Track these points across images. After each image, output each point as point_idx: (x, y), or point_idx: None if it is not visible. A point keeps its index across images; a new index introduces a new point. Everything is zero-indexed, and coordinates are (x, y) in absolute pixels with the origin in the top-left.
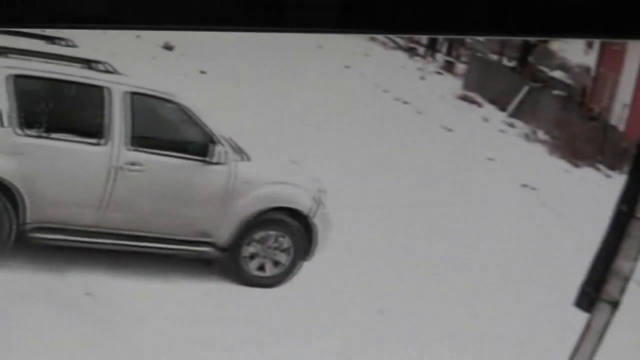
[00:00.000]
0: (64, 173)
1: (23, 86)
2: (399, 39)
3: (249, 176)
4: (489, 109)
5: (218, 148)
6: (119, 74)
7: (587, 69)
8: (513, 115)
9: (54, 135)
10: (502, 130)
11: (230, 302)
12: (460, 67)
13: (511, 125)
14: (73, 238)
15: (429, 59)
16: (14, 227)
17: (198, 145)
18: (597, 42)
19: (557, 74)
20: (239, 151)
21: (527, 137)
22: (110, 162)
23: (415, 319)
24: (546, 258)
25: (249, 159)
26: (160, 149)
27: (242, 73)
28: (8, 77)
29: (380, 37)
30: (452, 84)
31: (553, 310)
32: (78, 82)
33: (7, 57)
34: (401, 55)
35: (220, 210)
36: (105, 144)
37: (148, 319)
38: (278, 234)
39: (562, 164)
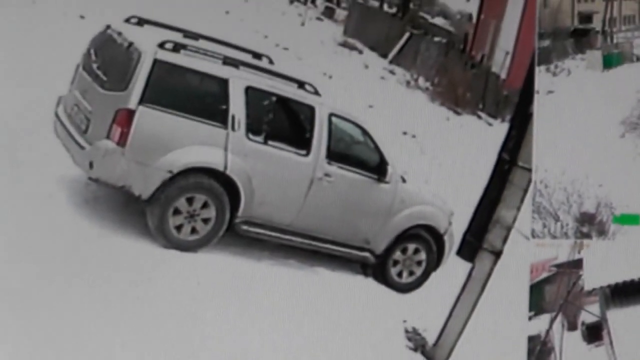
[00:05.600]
0: (274, 177)
1: (252, 97)
2: None
3: (405, 195)
4: (370, 56)
5: (389, 169)
6: (320, 95)
7: (468, 16)
8: (393, 62)
9: (271, 143)
10: (382, 77)
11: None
12: (341, 13)
13: (392, 72)
14: (272, 234)
15: (310, 5)
16: (228, 218)
17: (374, 165)
18: None
19: (438, 21)
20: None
21: (407, 84)
22: (312, 172)
23: None
24: None
25: (404, 180)
26: (347, 164)
27: (120, 17)
28: (245, 88)
29: None
30: (333, 30)
31: None
32: (295, 100)
33: (238, 68)
34: (281, 1)
35: (383, 222)
36: (309, 156)
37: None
38: (417, 247)
39: (443, 111)
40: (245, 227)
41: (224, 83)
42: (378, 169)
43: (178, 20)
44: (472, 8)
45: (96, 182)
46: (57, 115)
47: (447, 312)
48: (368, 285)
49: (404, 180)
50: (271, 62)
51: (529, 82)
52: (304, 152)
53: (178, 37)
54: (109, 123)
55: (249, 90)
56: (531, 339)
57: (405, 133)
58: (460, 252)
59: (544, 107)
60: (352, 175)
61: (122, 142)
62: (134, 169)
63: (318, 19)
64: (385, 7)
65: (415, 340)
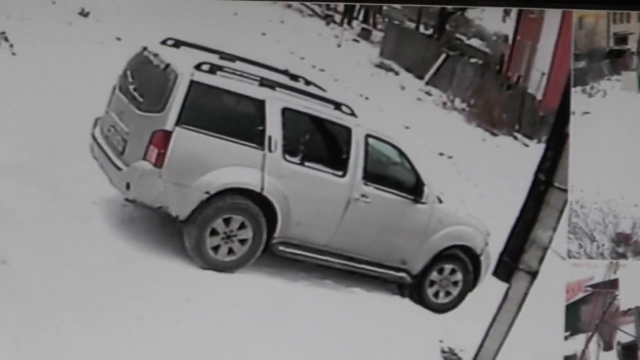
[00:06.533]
0: (311, 198)
1: (288, 118)
2: (316, 6)
3: (441, 216)
4: (406, 77)
5: (426, 190)
6: (357, 116)
7: (504, 37)
8: (430, 83)
9: (307, 164)
10: (419, 99)
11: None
12: (377, 35)
13: (428, 93)
14: (308, 254)
15: (346, 26)
16: (265, 239)
17: (410, 185)
18: (514, 11)
19: (474, 42)
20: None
21: (444, 105)
22: (349, 193)
23: None
24: None
25: (441, 201)
26: (383, 185)
27: (156, 38)
28: (282, 109)
29: (296, 4)
30: (369, 52)
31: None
32: (331, 121)
33: (274, 90)
34: (318, 23)
35: (419, 243)
36: (346, 177)
37: None
38: (454, 267)
39: (479, 132)
40: (282, 248)
41: (260, 104)
42: (414, 189)
43: (214, 42)
44: (508, 29)
45: (133, 203)
46: (93, 136)
47: (484, 332)
48: (404, 305)
49: (440, 201)
50: (308, 83)
51: (564, 103)
52: (340, 173)
53: (214, 59)
54: (146, 144)
55: (286, 112)
56: (567, 359)
57: (441, 154)
58: (496, 273)
59: (579, 128)
60: (388, 196)
61: (159, 163)
62: (171, 190)
63: (354, 40)
64: (422, 28)
65: None
